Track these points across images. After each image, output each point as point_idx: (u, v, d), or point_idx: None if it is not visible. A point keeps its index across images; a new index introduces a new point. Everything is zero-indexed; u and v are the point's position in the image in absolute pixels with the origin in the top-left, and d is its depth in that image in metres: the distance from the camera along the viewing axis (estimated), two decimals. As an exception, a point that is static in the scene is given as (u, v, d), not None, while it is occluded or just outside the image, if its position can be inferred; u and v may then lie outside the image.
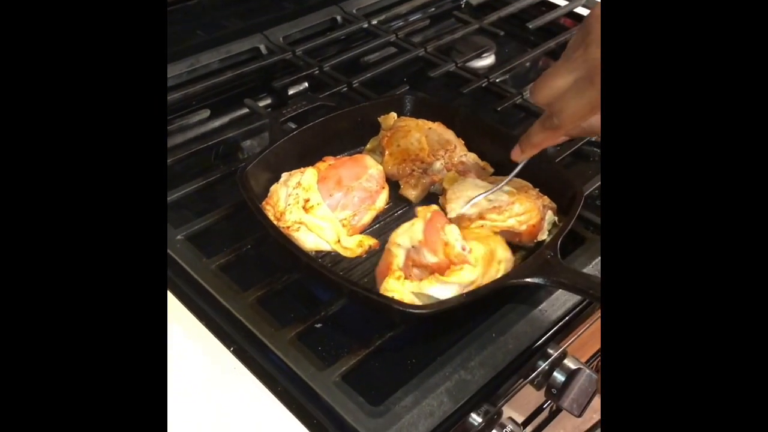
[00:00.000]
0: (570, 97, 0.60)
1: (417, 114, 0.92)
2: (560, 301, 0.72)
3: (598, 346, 0.87)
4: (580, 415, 0.74)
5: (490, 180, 0.82)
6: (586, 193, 0.81)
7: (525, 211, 0.75)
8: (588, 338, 0.79)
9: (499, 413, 0.68)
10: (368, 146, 0.92)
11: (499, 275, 0.70)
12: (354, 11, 1.24)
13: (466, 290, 0.67)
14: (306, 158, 0.84)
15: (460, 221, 0.76)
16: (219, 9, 1.17)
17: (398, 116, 0.92)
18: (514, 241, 0.77)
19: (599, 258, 0.76)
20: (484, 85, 1.07)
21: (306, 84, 1.08)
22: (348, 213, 0.80)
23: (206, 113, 1.01)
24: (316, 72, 1.08)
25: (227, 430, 0.61)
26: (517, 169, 0.75)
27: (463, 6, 1.35)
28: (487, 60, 1.19)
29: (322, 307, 0.70)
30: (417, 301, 0.68)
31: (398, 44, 1.17)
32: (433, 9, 1.32)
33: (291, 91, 1.06)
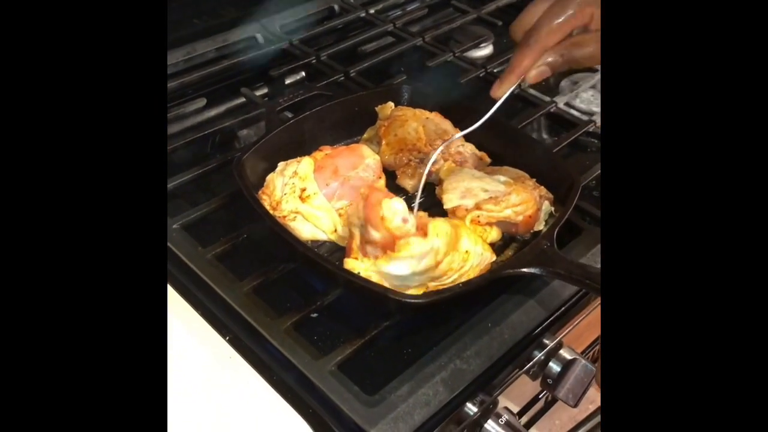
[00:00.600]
0: (544, 16, 0.65)
1: (414, 104, 0.92)
2: (556, 292, 0.72)
3: (594, 336, 0.87)
4: (575, 405, 0.74)
5: (488, 171, 0.82)
6: (584, 183, 0.81)
7: (521, 201, 0.75)
8: (584, 328, 0.79)
9: (495, 403, 0.68)
10: (365, 136, 0.91)
11: (467, 267, 0.69)
12: (351, 0, 1.24)
13: (424, 264, 0.67)
14: (302, 148, 0.84)
15: (457, 211, 0.76)
16: (216, -3, 1.16)
17: (395, 106, 0.91)
18: (510, 232, 0.77)
19: (596, 248, 0.76)
20: (481, 75, 1.07)
21: (303, 73, 1.07)
22: (344, 203, 0.79)
23: (202, 102, 1.00)
24: (313, 61, 1.07)
25: (223, 419, 0.61)
26: (498, 105, 0.73)
27: (461, -5, 1.35)
28: (485, 50, 1.19)
29: (318, 296, 0.70)
30: (382, 281, 0.67)
31: (396, 33, 1.17)
32: (430, -2, 1.31)
33: (288, 81, 1.05)
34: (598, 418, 0.84)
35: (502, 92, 0.71)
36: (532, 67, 0.67)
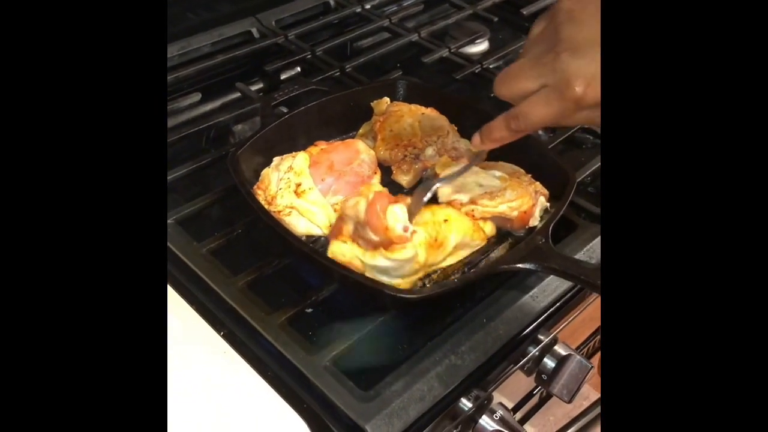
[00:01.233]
0: (536, 104, 0.59)
1: (410, 99, 0.92)
2: (551, 287, 0.72)
3: (588, 332, 0.88)
4: (570, 401, 0.74)
5: (483, 166, 0.82)
6: (579, 179, 0.81)
7: (517, 197, 0.75)
8: (579, 324, 0.79)
9: (489, 398, 0.68)
10: (360, 131, 0.91)
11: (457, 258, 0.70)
12: (347, -4, 1.24)
13: (407, 268, 0.68)
14: (298, 142, 0.83)
15: (452, 206, 0.76)
16: (211, -8, 1.16)
17: (391, 101, 0.91)
18: (505, 227, 0.77)
19: (591, 244, 0.76)
20: (477, 71, 1.07)
21: (298, 68, 1.07)
22: (340, 198, 0.79)
23: (197, 97, 1.00)
24: (309, 56, 1.07)
25: (217, 414, 0.61)
26: (475, 160, 0.76)
27: (457, -9, 1.35)
28: (481, 46, 1.19)
29: (312, 291, 0.70)
30: (364, 268, 0.69)
31: (391, 29, 1.17)
32: (426, -6, 1.31)
33: (283, 76, 1.05)
34: (592, 415, 0.85)
35: (480, 149, 0.71)
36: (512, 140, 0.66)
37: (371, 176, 0.82)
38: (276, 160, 0.80)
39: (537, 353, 0.72)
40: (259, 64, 1.06)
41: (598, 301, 0.78)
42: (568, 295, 0.73)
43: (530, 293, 0.71)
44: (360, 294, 0.71)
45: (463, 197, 0.76)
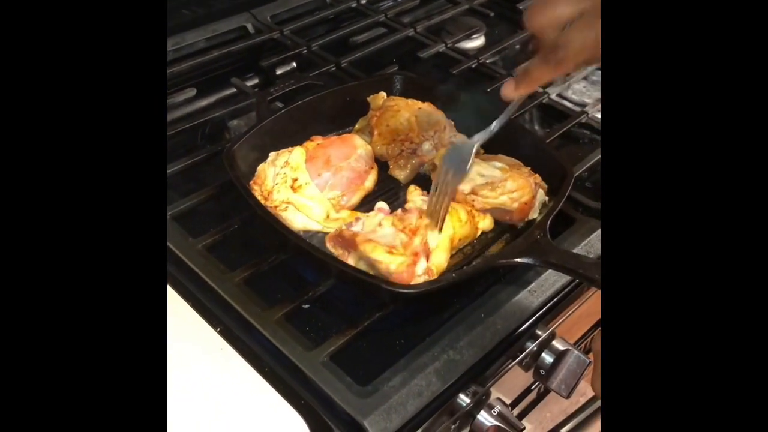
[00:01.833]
0: (577, 30, 0.56)
1: (406, 94, 0.91)
2: (549, 282, 0.72)
3: (587, 327, 0.87)
4: (568, 396, 0.74)
5: (483, 158, 0.82)
6: (576, 174, 0.81)
7: (518, 188, 0.74)
8: (577, 319, 0.79)
9: (487, 394, 0.68)
10: (357, 126, 0.91)
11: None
12: (343, -10, 1.23)
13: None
14: (294, 137, 0.83)
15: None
16: (205, -13, 1.15)
17: (387, 96, 0.91)
18: (504, 220, 0.77)
19: (589, 238, 0.76)
20: (473, 66, 1.06)
21: (294, 64, 1.06)
22: (336, 193, 0.79)
23: (192, 92, 1.00)
24: (304, 51, 1.07)
25: (214, 410, 0.61)
26: (511, 107, 0.68)
27: (453, -14, 1.34)
28: (477, 41, 1.18)
29: (309, 287, 0.70)
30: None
31: (387, 24, 1.16)
32: (422, -11, 1.31)
33: (279, 71, 1.05)
34: (589, 411, 0.84)
35: (514, 96, 0.67)
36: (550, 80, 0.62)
37: (368, 171, 0.82)
38: (272, 155, 0.79)
39: (535, 348, 0.71)
40: (254, 59, 1.06)
41: (596, 296, 0.78)
42: (566, 290, 0.73)
43: (528, 288, 0.71)
44: (358, 289, 0.70)
45: (465, 187, 0.75)
